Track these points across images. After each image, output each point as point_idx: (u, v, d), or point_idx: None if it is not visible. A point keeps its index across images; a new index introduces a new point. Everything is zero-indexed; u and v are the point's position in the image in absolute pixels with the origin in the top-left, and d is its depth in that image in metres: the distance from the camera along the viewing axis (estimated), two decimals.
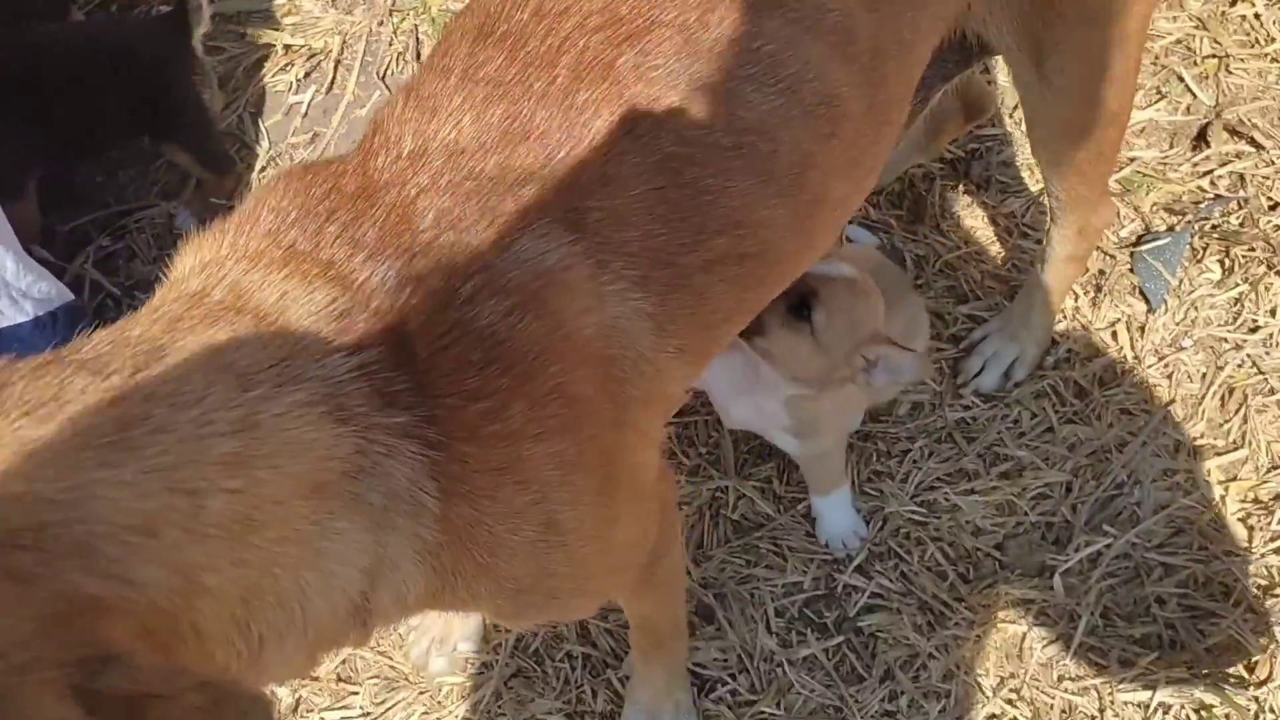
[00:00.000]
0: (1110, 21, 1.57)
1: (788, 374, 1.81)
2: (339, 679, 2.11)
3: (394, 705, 2.07)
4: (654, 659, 1.90)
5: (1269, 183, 2.43)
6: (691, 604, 2.11)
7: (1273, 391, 2.24)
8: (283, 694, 2.09)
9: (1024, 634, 2.03)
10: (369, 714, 2.07)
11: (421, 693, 2.08)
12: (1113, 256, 2.40)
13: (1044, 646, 2.03)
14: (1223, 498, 2.12)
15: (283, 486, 0.91)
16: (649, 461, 1.32)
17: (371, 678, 2.11)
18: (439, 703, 2.07)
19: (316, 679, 2.10)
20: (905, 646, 2.04)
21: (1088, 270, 2.38)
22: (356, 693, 2.10)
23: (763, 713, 2.01)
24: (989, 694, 1.99)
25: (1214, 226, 2.38)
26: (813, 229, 1.37)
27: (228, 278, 1.01)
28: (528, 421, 1.10)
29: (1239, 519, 2.11)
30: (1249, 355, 2.27)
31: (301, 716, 2.08)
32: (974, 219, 2.48)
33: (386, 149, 1.14)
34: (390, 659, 2.12)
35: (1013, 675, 2.01)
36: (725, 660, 2.06)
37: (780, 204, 1.28)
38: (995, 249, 2.43)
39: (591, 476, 1.19)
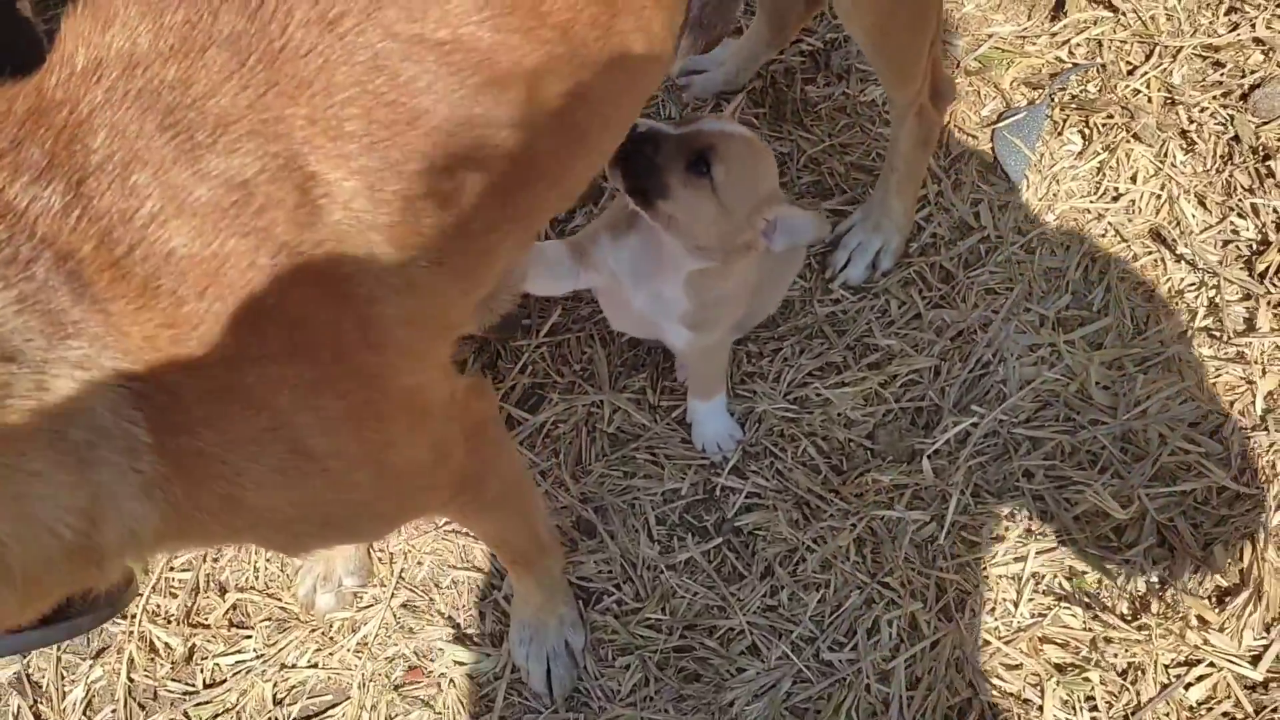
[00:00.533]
0: None
1: (691, 243, 1.71)
2: (231, 624, 2.09)
3: (286, 645, 2.06)
4: (527, 576, 1.88)
5: (1126, 47, 2.38)
6: (571, 518, 2.10)
7: (1135, 258, 2.22)
8: (175, 644, 2.07)
9: (898, 519, 2.03)
10: (263, 655, 2.06)
11: (313, 630, 2.07)
12: (974, 136, 2.36)
13: (918, 529, 2.03)
14: (1087, 368, 2.11)
15: None
16: (430, 382, 1.25)
17: (263, 620, 2.09)
18: (330, 638, 2.06)
19: (207, 626, 2.08)
20: (782, 542, 2.03)
21: (949, 152, 2.34)
22: (249, 636, 2.08)
23: (648, 618, 2.01)
24: (866, 579, 2.00)
25: (1073, 97, 2.34)
26: (569, 130, 1.28)
27: None
28: (242, 346, 1.03)
29: (1103, 387, 2.10)
30: (1110, 224, 2.24)
31: (196, 664, 2.07)
32: (836, 111, 2.42)
33: (60, 65, 1.03)
34: (279, 600, 2.10)
35: (889, 559, 2.01)
36: (609, 571, 2.06)
37: (515, 103, 1.19)
38: (858, 140, 2.38)
39: (342, 400, 1.12)
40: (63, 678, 2.08)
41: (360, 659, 2.03)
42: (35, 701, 2.05)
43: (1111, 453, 2.05)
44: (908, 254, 2.25)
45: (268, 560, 2.14)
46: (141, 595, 2.11)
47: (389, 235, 1.12)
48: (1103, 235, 2.24)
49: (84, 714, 2.04)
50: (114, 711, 2.04)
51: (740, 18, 2.50)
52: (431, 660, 2.01)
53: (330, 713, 2.00)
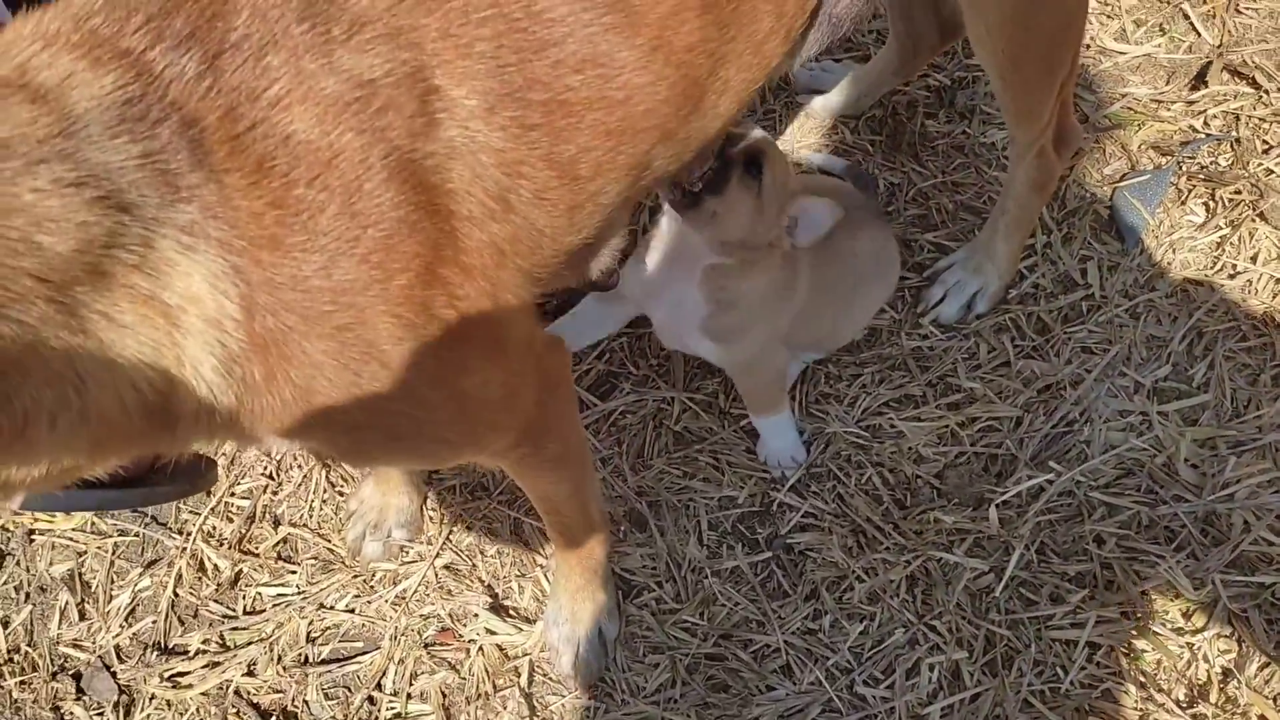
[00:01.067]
0: None
1: (720, 237, 1.76)
2: (279, 557, 2.10)
3: (328, 586, 2.05)
4: (570, 555, 1.85)
5: (1265, 125, 2.27)
6: (625, 508, 2.06)
7: (1244, 339, 2.10)
8: (223, 566, 2.08)
9: (955, 564, 1.94)
10: (304, 593, 2.05)
11: (355, 576, 2.06)
12: (1093, 193, 2.27)
13: (974, 577, 1.93)
14: (1178, 443, 2.00)
15: (45, 263, 0.86)
16: (510, 318, 1.23)
17: (310, 558, 2.09)
18: (370, 586, 2.05)
19: (256, 555, 2.09)
20: (833, 567, 1.96)
21: (1065, 205, 2.26)
22: (295, 571, 2.08)
23: (685, 621, 1.95)
24: (913, 619, 1.91)
25: (1201, 167, 2.24)
26: (690, 85, 1.27)
27: (18, 57, 0.94)
28: (338, 238, 1.03)
29: (1191, 465, 1.99)
30: (1224, 300, 2.13)
31: (240, 589, 2.07)
32: (953, 149, 2.36)
33: None
34: (329, 541, 2.10)
35: (940, 603, 1.92)
36: (653, 568, 2.01)
37: (644, 48, 1.19)
38: (971, 180, 2.31)
39: (420, 311, 1.11)
40: (113, 581, 2.10)
41: (396, 612, 2.01)
42: (82, 600, 2.08)
43: (1191, 532, 1.93)
44: (1005, 300, 2.17)
45: (324, 501, 2.14)
46: (199, 514, 2.13)
47: (498, 159, 1.13)
48: (1213, 311, 2.12)
49: (125, 619, 2.06)
50: (154, 622, 2.05)
51: (869, 41, 2.46)
52: (464, 624, 1.99)
53: (359, 659, 1.98)
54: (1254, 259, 2.15)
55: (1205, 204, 2.22)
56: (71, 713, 1.97)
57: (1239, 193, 2.20)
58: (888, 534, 1.97)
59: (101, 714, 1.97)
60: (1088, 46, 2.43)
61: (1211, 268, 2.17)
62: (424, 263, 1.10)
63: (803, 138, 2.42)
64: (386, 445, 1.22)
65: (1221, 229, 2.19)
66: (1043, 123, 1.80)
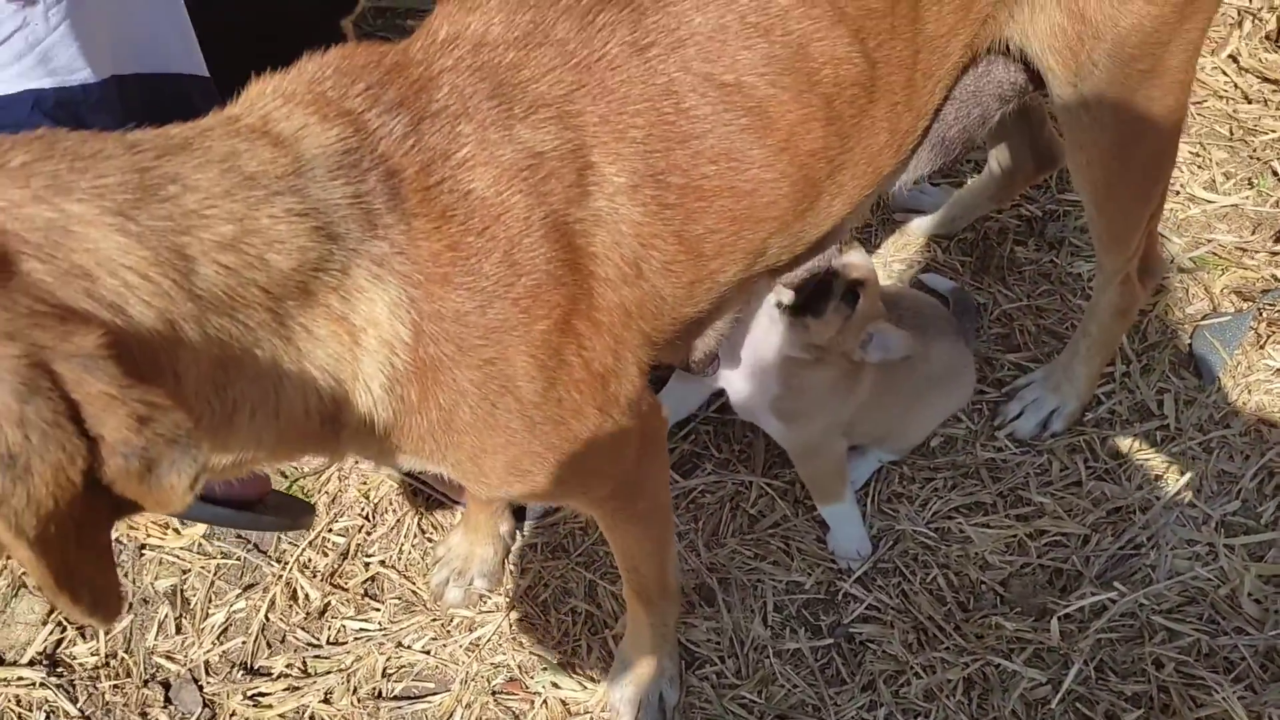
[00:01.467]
0: (1147, 50, 1.54)
1: (805, 340, 1.92)
2: (365, 594, 2.20)
3: (408, 626, 2.15)
4: (642, 617, 1.92)
5: None
6: (695, 582, 2.13)
7: None
8: (314, 596, 2.19)
9: (1014, 671, 1.97)
10: (384, 630, 2.15)
11: (434, 620, 2.15)
12: (1174, 331, 2.33)
13: (1031, 687, 1.95)
14: (1243, 576, 2.02)
15: (270, 278, 1.00)
16: (625, 375, 1.35)
17: (394, 597, 2.19)
18: (446, 630, 2.13)
19: (345, 589, 2.20)
20: (892, 660, 2.00)
21: (1146, 339, 2.32)
22: (379, 609, 2.18)
23: (743, 698, 2.00)
24: None
25: (1279, 312, 2.30)
26: (809, 185, 1.41)
27: (263, 108, 1.12)
28: (497, 281, 1.17)
29: (1255, 600, 2.00)
30: None
31: (326, 620, 2.18)
32: (1040, 276, 2.45)
33: (425, 35, 1.25)
34: (413, 584, 2.20)
35: (995, 708, 1.95)
36: (718, 643, 2.07)
37: (773, 148, 1.33)
38: (1055, 306, 2.39)
39: (553, 355, 1.24)
40: (210, 600, 2.22)
41: (469, 657, 2.09)
42: (181, 615, 2.20)
43: (1250, 665, 1.93)
44: (1081, 422, 2.23)
45: (414, 545, 2.25)
46: (298, 546, 2.25)
47: (635, 230, 1.28)
48: None
49: (218, 637, 2.17)
50: (243, 643, 2.16)
51: (968, 171, 2.58)
52: (532, 676, 2.06)
53: (429, 698, 2.06)
54: None
55: None
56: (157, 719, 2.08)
57: None
58: (948, 634, 2.01)
59: None
60: (1177, 193, 2.52)
61: None
62: (563, 313, 1.24)
63: (896, 253, 2.53)
64: (505, 475, 1.33)
65: None
66: (1130, 251, 1.89)
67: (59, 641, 2.19)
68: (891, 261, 2.52)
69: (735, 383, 2.04)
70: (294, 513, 1.57)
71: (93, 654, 2.17)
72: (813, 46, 1.33)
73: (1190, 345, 2.29)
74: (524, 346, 1.22)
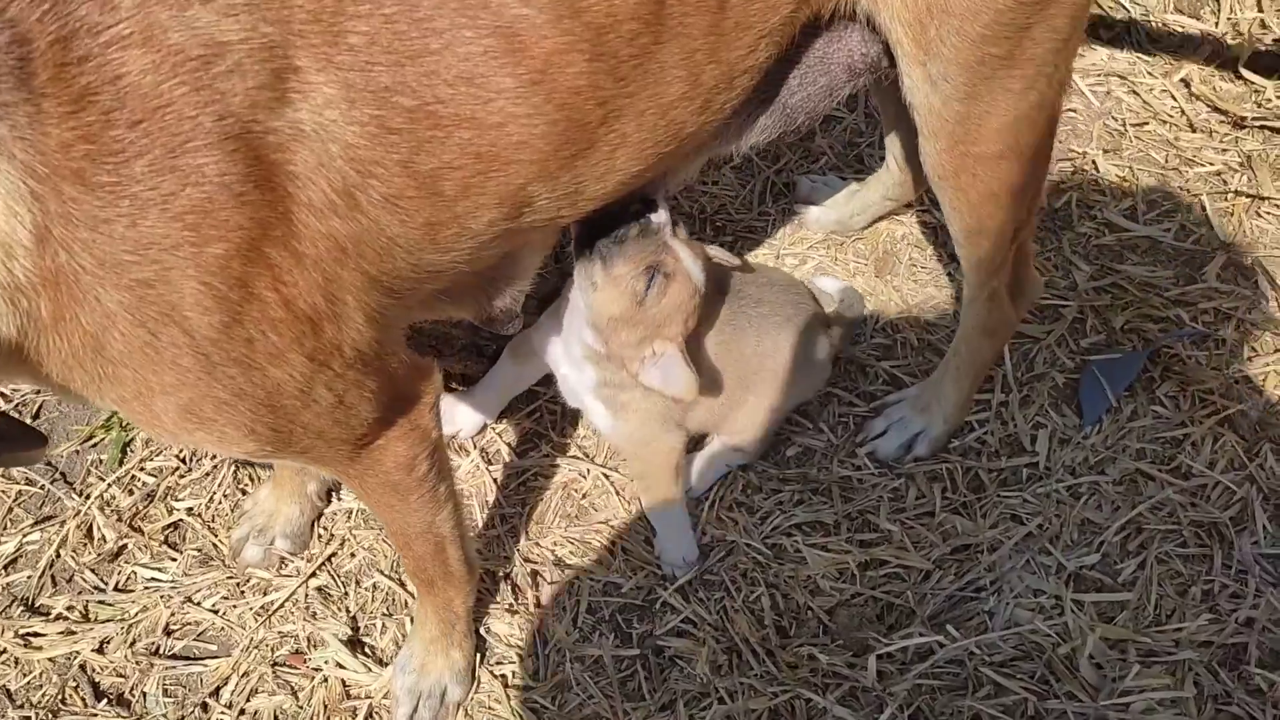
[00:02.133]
0: (1001, 33, 1.34)
1: (589, 316, 1.71)
2: (165, 541, 2.03)
3: (202, 581, 1.97)
4: (427, 601, 1.73)
5: (1255, 331, 2.13)
6: (508, 569, 1.96)
7: (1184, 544, 1.93)
8: (110, 537, 2.01)
9: (823, 708, 1.79)
10: (176, 583, 1.97)
11: (229, 577, 1.97)
12: (1064, 362, 2.14)
13: None
14: (1086, 637, 1.83)
15: None
16: (348, 320, 1.16)
17: (194, 549, 2.01)
18: (240, 590, 1.96)
19: (142, 533, 2.02)
20: (697, 682, 1.82)
21: (1032, 368, 2.13)
22: (175, 559, 2.00)
23: (535, 702, 1.83)
24: None
25: (1178, 359, 2.10)
26: (574, 127, 1.21)
27: None
28: (150, 188, 0.98)
29: (1095, 664, 1.82)
30: (1172, 500, 1.97)
31: (118, 564, 2.01)
32: (936, 287, 2.26)
33: None
34: (216, 537, 2.03)
35: None
36: (519, 638, 1.89)
37: (525, 79, 1.13)
38: (945, 323, 2.19)
39: (236, 286, 1.05)
40: (4, 528, 2.05)
41: (257, 622, 1.92)
42: None
43: None
44: (947, 449, 2.04)
45: (225, 495, 2.08)
46: (104, 480, 2.08)
47: (348, 154, 1.08)
48: (1159, 509, 1.96)
49: (3, 569, 2.00)
50: (29, 577, 1.99)
51: (876, 165, 2.38)
52: (318, 650, 1.89)
53: (207, 661, 1.89)
54: (1211, 465, 1.99)
55: (1174, 397, 2.07)
56: None
57: (1210, 393, 2.05)
58: (761, 659, 1.83)
59: None
60: (1094, 217, 2.32)
61: (1166, 464, 2.01)
62: (248, 237, 1.04)
63: (790, 245, 2.34)
64: (184, 420, 1.14)
65: (1185, 427, 2.04)
66: (994, 266, 1.69)
67: None
68: (784, 254, 2.32)
69: (560, 366, 1.86)
70: (16, 446, 1.38)
71: None
72: None
73: (1077, 381, 2.10)
74: (192, 270, 1.02)
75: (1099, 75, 2.58)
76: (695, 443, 1.99)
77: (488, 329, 1.57)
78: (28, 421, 2.17)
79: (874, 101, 2.25)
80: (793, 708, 1.79)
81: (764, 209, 2.38)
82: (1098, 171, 2.38)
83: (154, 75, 0.97)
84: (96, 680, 1.88)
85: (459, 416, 2.04)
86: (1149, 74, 2.58)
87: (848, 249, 2.31)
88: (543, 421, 2.11)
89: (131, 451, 2.11)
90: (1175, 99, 2.54)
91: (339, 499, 2.05)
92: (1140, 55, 2.62)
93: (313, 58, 1.04)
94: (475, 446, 2.09)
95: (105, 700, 1.85)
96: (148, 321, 1.04)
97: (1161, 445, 2.03)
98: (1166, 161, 2.42)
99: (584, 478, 2.04)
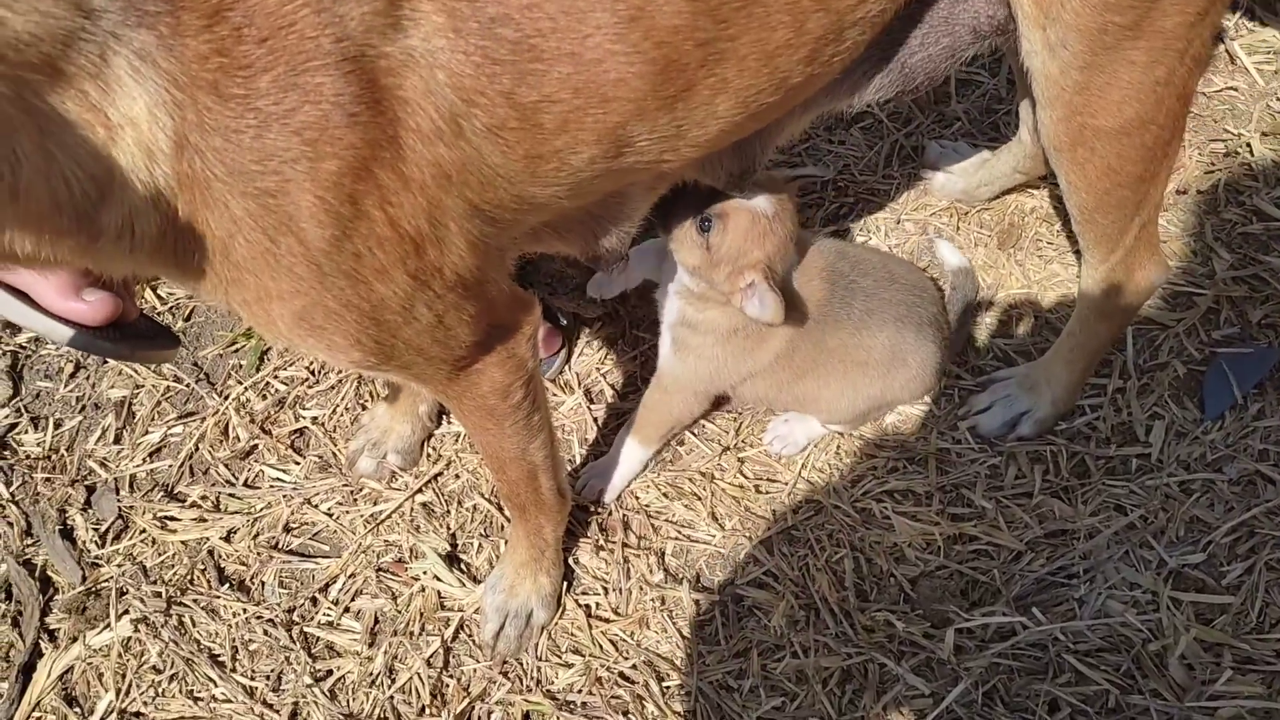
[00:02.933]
0: (1125, 1, 1.25)
1: (683, 263, 1.79)
2: (291, 445, 2.14)
3: (320, 486, 2.07)
4: (520, 525, 1.78)
5: None
6: (606, 512, 1.99)
7: None
8: (243, 437, 2.14)
9: (895, 675, 1.77)
10: (298, 485, 2.09)
11: (344, 485, 2.07)
12: (1193, 353, 2.01)
13: (910, 696, 1.76)
14: (1180, 636, 1.75)
15: (3, 42, 0.88)
16: (450, 244, 1.19)
17: (315, 455, 2.12)
18: (353, 498, 2.06)
19: (271, 435, 2.14)
20: (772, 633, 1.82)
21: (1155, 356, 2.01)
22: (299, 464, 2.12)
23: (614, 634, 1.86)
24: (831, 713, 1.76)
25: None
26: (672, 68, 1.19)
27: None
28: (274, 103, 1.02)
29: (1186, 664, 1.73)
30: None
31: (249, 461, 2.13)
32: (1061, 264, 2.15)
33: None
34: (335, 446, 2.13)
35: (864, 709, 1.76)
36: (605, 572, 1.93)
37: (623, 16, 1.13)
38: (1066, 301, 2.09)
39: (347, 201, 1.08)
40: (153, 419, 2.20)
41: (365, 529, 2.01)
42: (123, 427, 2.19)
43: None
44: (1053, 431, 1.96)
45: (347, 408, 2.17)
46: (242, 385, 2.20)
47: (454, 82, 1.10)
48: (1275, 515, 1.85)
49: (149, 456, 2.15)
50: (170, 465, 2.14)
51: (1009, 134, 2.28)
52: (418, 561, 1.97)
53: (319, 560, 2.00)
54: None
55: None
56: (74, 520, 2.08)
57: None
58: (838, 619, 1.82)
59: (98, 529, 2.07)
60: (1242, 203, 2.16)
61: None
62: (359, 156, 1.07)
63: (912, 211, 2.27)
64: (296, 327, 1.18)
65: None
66: (1116, 246, 1.60)
67: (12, 426, 2.21)
68: (905, 220, 2.25)
69: (661, 293, 1.90)
70: (149, 345, 1.46)
71: (38, 445, 2.18)
72: None
73: (1203, 372, 1.98)
74: (308, 183, 1.05)
75: (1268, 53, 2.38)
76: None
77: (593, 266, 1.59)
78: (178, 324, 2.31)
79: (1013, 66, 2.14)
80: (865, 670, 1.78)
81: (888, 172, 2.31)
82: (1252, 155, 2.21)
83: None
84: (221, 566, 2.01)
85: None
86: None
87: (971, 218, 2.23)
88: (648, 366, 2.12)
89: (268, 360, 2.23)
90: None
91: (448, 422, 2.11)
92: None
93: None
94: (580, 385, 2.12)
95: (228, 585, 1.98)
96: (268, 229, 1.08)
97: None
98: None
99: (709, 420, 2.05)
